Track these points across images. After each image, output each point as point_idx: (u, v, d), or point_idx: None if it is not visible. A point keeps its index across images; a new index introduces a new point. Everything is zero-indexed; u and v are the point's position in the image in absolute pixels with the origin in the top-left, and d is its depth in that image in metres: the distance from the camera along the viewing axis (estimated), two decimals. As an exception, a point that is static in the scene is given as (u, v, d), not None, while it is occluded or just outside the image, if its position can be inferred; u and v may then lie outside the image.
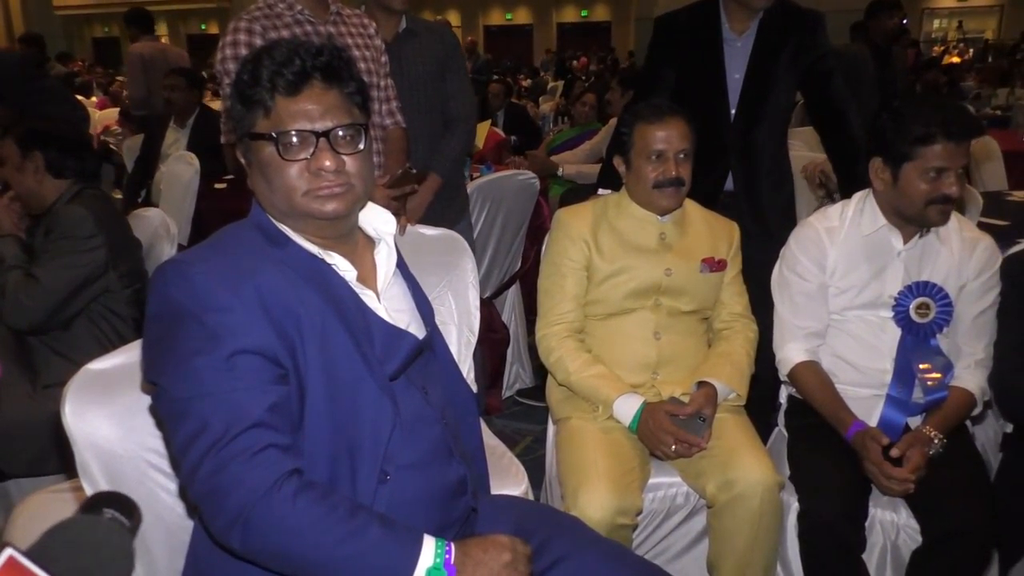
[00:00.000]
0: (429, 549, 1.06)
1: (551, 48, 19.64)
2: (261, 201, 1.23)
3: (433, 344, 1.38)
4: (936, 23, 19.11)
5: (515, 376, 3.44)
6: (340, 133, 1.18)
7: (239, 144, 1.22)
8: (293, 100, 1.16)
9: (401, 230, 2.18)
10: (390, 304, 1.28)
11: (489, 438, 2.03)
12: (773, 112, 2.48)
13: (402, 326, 1.26)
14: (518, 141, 5.61)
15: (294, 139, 1.16)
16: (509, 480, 1.84)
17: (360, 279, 1.25)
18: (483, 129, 4.72)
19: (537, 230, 3.52)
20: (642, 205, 2.01)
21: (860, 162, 2.35)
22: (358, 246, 1.30)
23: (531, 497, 1.89)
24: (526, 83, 11.12)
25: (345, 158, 1.19)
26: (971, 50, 14.75)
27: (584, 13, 21.51)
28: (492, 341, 3.24)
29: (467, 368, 2.19)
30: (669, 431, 1.81)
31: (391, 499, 1.16)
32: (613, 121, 4.57)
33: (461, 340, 2.19)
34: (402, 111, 2.46)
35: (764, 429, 2.15)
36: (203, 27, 24.00)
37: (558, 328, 2.00)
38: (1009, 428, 1.95)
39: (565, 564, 1.28)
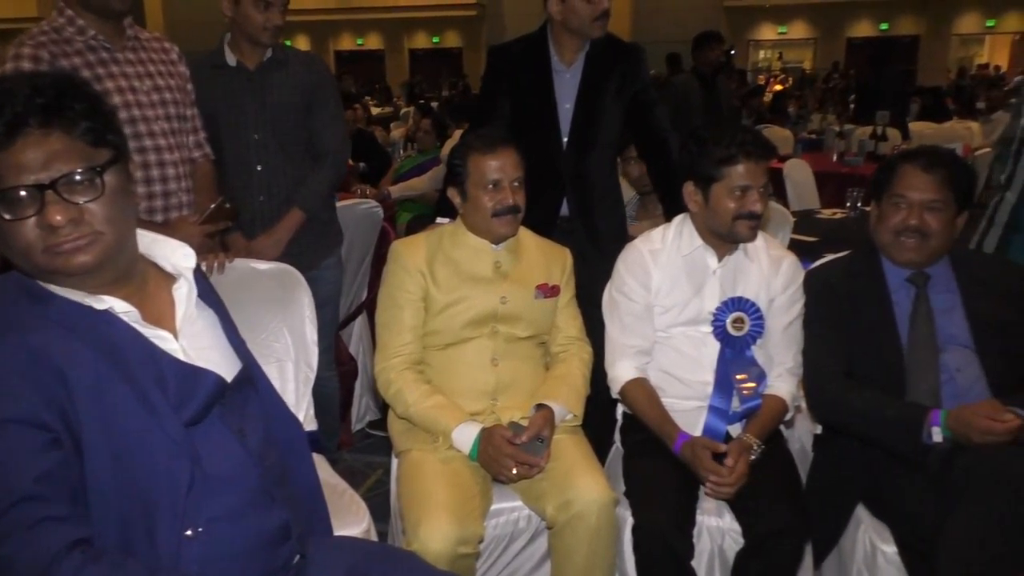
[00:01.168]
0: None
1: (404, 74, 19.68)
2: (10, 262, 1.13)
3: (254, 381, 1.33)
4: (761, 54, 20.68)
5: (365, 408, 3.38)
6: (76, 179, 1.08)
7: None
8: (9, 152, 1.05)
9: (220, 269, 2.10)
10: (192, 343, 1.22)
11: (329, 476, 1.99)
12: (603, 140, 2.58)
13: (210, 365, 1.20)
14: (367, 168, 5.57)
15: (21, 194, 1.05)
16: (350, 519, 1.80)
17: (153, 319, 1.18)
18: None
19: (383, 259, 3.48)
20: (480, 234, 2.03)
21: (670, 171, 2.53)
22: (148, 284, 1.23)
23: (374, 534, 1.86)
24: (376, 110, 11.04)
25: (87, 205, 1.09)
26: (790, 79, 16.04)
27: (436, 39, 21.70)
28: (340, 374, 3.16)
29: (306, 405, 2.14)
30: (509, 454, 1.84)
31: (203, 555, 1.10)
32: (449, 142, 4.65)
33: (299, 377, 2.14)
34: (260, 142, 2.39)
35: (606, 447, 2.24)
36: (360, 41, 22.21)
37: (396, 361, 1.99)
38: (819, 430, 2.11)
39: None
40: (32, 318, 1.07)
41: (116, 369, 1.08)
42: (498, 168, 1.96)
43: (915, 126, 7.31)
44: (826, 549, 1.88)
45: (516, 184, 1.99)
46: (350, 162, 5.27)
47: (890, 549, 1.74)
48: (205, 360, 1.21)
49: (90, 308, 1.12)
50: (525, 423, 1.92)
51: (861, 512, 1.85)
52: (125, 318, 1.15)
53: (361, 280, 3.33)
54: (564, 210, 2.60)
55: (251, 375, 1.32)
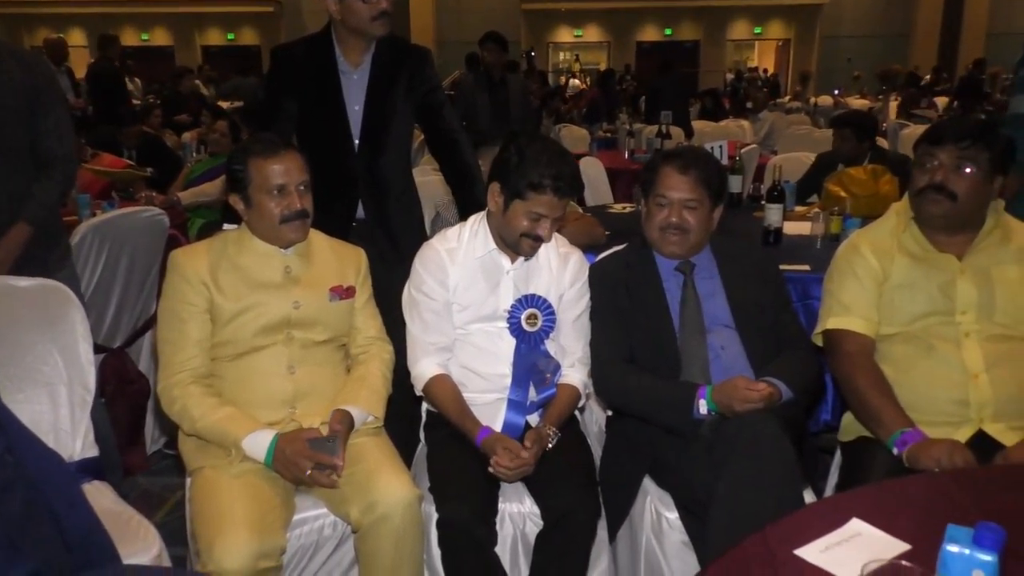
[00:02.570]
0: None
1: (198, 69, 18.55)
2: None
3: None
4: (561, 55, 21.56)
5: (155, 429, 3.16)
6: None
7: None
8: None
9: None
10: None
11: (113, 503, 1.86)
12: (395, 141, 2.59)
13: None
14: (155, 173, 5.20)
15: None
16: (138, 546, 1.69)
17: None
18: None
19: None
20: (268, 241, 1.97)
21: (476, 184, 2.58)
22: None
23: (167, 559, 1.76)
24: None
25: None
26: (588, 79, 16.86)
27: (231, 36, 20.69)
28: (129, 393, 2.96)
29: (83, 430, 1.98)
30: (306, 455, 1.80)
31: None
32: None
33: (74, 400, 1.98)
34: None
35: (413, 446, 2.25)
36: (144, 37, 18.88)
37: (181, 376, 1.89)
38: (610, 412, 2.25)
39: None
40: None
41: None
42: (282, 172, 1.92)
43: (696, 124, 7.96)
44: (619, 521, 2.01)
45: (302, 188, 1.95)
46: (133, 165, 4.92)
47: (673, 515, 1.89)
48: None
49: None
50: (325, 429, 1.89)
51: (648, 484, 1.99)
52: None
53: (148, 292, 3.12)
54: (360, 213, 2.58)
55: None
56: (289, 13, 18.72)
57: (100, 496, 1.85)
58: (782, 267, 2.38)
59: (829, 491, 2.09)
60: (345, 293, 2.05)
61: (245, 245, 1.98)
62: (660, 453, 1.99)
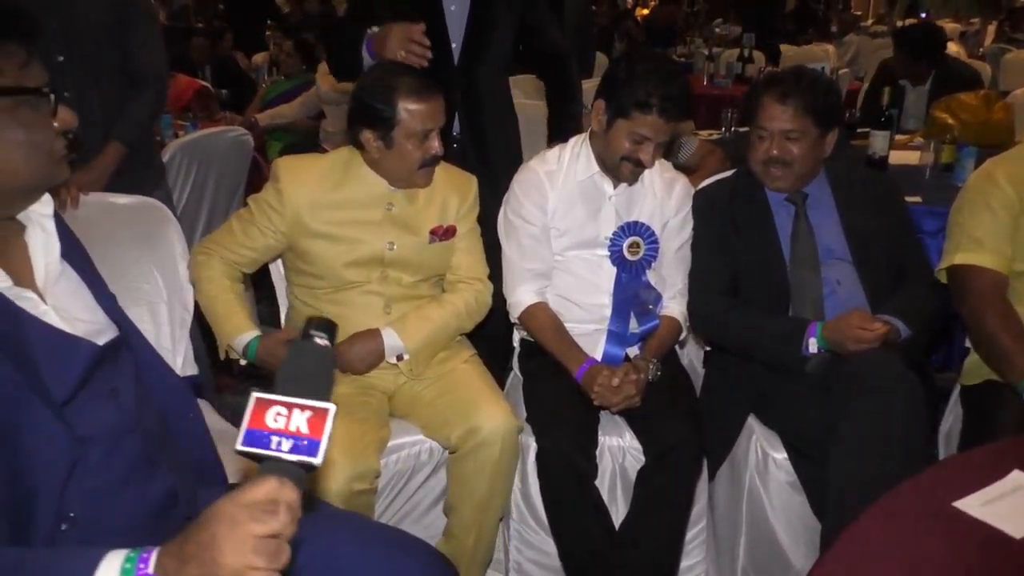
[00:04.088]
0: (111, 564, 0.79)
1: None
2: None
3: (127, 341, 1.19)
4: (628, -24, 20.70)
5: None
6: None
7: None
8: None
9: (74, 203, 1.90)
10: (60, 303, 1.07)
11: (218, 422, 1.88)
12: (496, 51, 2.42)
13: (79, 329, 1.07)
14: (228, 96, 5.19)
15: None
16: (240, 464, 1.71)
17: (11, 276, 1.03)
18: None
19: (256, 190, 3.28)
20: (387, 178, 1.88)
21: (574, 102, 2.44)
22: (5, 235, 1.07)
23: (270, 478, 1.77)
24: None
25: None
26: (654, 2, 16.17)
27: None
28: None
29: (184, 348, 2.00)
30: (281, 355, 1.76)
31: (81, 539, 0.99)
32: (324, 65, 4.38)
33: (174, 319, 1.99)
34: (66, 64, 2.12)
35: (501, 376, 2.21)
36: None
37: (216, 251, 1.89)
38: (708, 347, 2.17)
39: (304, 549, 1.19)
40: None
41: None
42: (433, 117, 1.81)
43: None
44: (720, 458, 1.95)
45: (437, 130, 1.85)
46: (212, 87, 4.90)
47: (780, 455, 1.82)
48: (75, 322, 1.07)
49: None
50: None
51: (752, 422, 1.92)
52: None
53: (233, 212, 3.11)
54: (455, 129, 2.43)
55: (125, 336, 1.18)
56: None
57: (205, 415, 1.87)
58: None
59: (942, 437, 1.98)
60: (445, 234, 1.96)
61: (353, 171, 1.88)
62: (765, 390, 1.91)
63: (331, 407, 0.78)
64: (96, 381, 1.07)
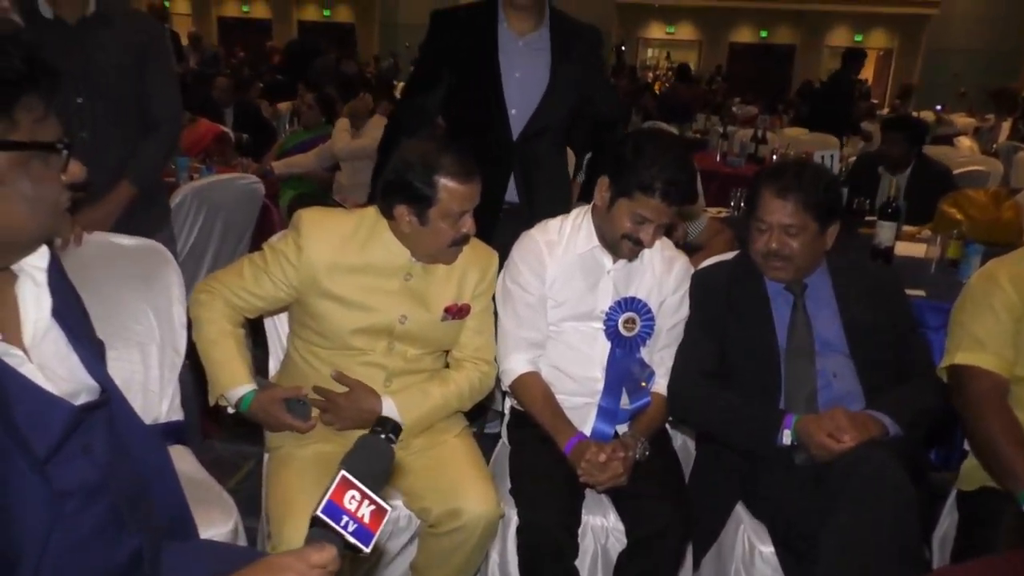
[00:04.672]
0: None
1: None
2: None
3: (108, 400, 1.15)
4: (650, 52, 21.19)
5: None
6: None
7: None
8: None
9: (77, 241, 1.91)
10: (44, 360, 1.05)
11: (196, 471, 1.85)
12: (556, 117, 2.46)
13: (60, 388, 1.04)
14: (249, 140, 5.28)
15: None
16: (216, 517, 1.67)
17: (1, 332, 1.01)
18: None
19: (264, 237, 3.30)
20: (420, 256, 1.83)
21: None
22: None
23: (242, 532, 1.74)
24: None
25: None
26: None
27: (327, 13, 21.00)
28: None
29: (171, 392, 1.98)
30: (275, 414, 1.78)
31: None
32: (343, 120, 4.46)
33: (164, 362, 1.98)
34: (84, 106, 2.15)
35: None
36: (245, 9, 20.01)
37: (221, 293, 1.81)
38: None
39: None
40: None
41: None
42: (471, 198, 1.77)
43: (791, 132, 7.67)
44: (705, 547, 1.90)
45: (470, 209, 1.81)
46: (232, 131, 4.99)
47: (768, 549, 1.77)
48: (58, 381, 1.05)
49: None
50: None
51: (741, 511, 1.87)
52: None
53: (238, 259, 3.13)
54: (511, 195, 2.45)
55: (106, 398, 1.15)
56: (385, -7, 18.90)
57: (181, 461, 1.82)
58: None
59: (937, 542, 1.92)
60: (458, 313, 1.91)
61: (376, 237, 1.82)
62: (756, 479, 1.87)
63: (389, 509, 0.95)
64: (70, 438, 1.05)
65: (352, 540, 0.90)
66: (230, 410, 1.84)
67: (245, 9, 21.14)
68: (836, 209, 1.95)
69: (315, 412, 1.83)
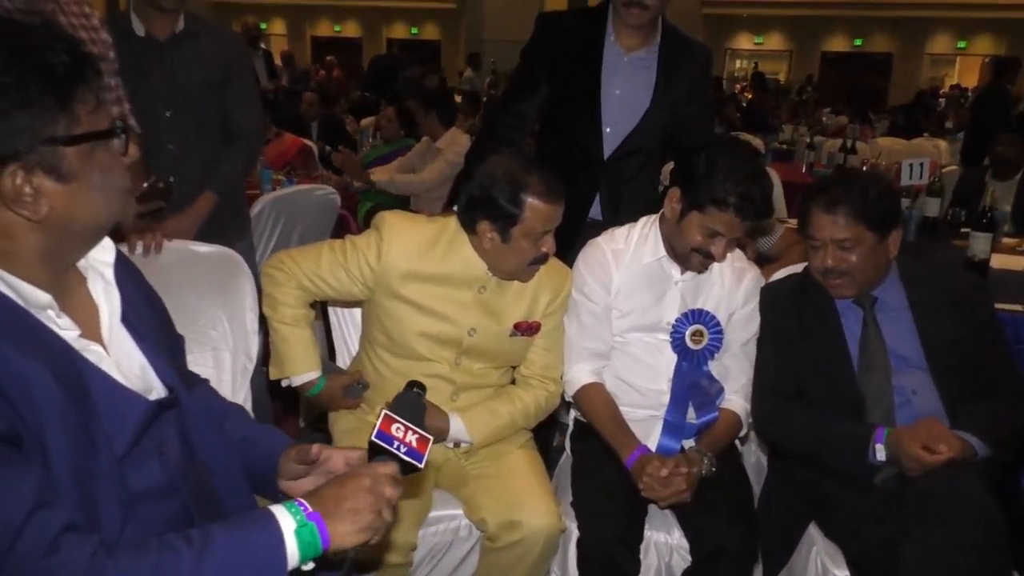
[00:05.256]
0: (283, 515, 0.99)
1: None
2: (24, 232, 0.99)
3: (177, 398, 1.19)
4: (738, 63, 20.78)
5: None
6: None
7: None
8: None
9: (157, 249, 1.98)
10: (118, 356, 1.09)
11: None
12: (650, 137, 2.36)
13: (133, 384, 1.08)
14: (331, 152, 5.43)
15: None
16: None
17: (79, 325, 1.05)
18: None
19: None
20: (497, 272, 1.82)
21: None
22: (70, 283, 1.09)
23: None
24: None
25: None
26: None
27: (414, 30, 21.49)
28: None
29: (243, 398, 2.03)
30: (336, 398, 1.88)
31: None
32: (426, 139, 4.52)
33: (237, 367, 2.03)
34: (172, 119, 2.25)
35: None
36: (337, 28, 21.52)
37: (296, 277, 1.83)
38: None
39: None
40: None
41: (65, 390, 0.96)
42: (554, 218, 1.75)
43: (885, 141, 7.36)
44: (776, 568, 1.82)
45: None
46: (313, 145, 5.14)
47: (842, 573, 1.68)
48: (131, 377, 1.09)
49: (24, 311, 0.99)
50: None
51: (814, 532, 1.78)
52: (61, 332, 1.02)
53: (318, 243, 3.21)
54: (595, 212, 2.37)
55: (175, 396, 1.19)
56: (470, 10, 19.18)
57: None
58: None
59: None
60: (528, 330, 1.89)
61: (456, 248, 1.81)
62: (830, 499, 1.78)
63: (431, 438, 1.13)
64: (145, 437, 1.09)
65: (406, 459, 1.07)
66: (284, 383, 1.90)
67: (337, 28, 21.84)
68: (892, 216, 1.83)
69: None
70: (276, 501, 1.24)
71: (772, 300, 1.96)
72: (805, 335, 1.89)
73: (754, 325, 1.96)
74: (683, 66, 2.35)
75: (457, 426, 1.82)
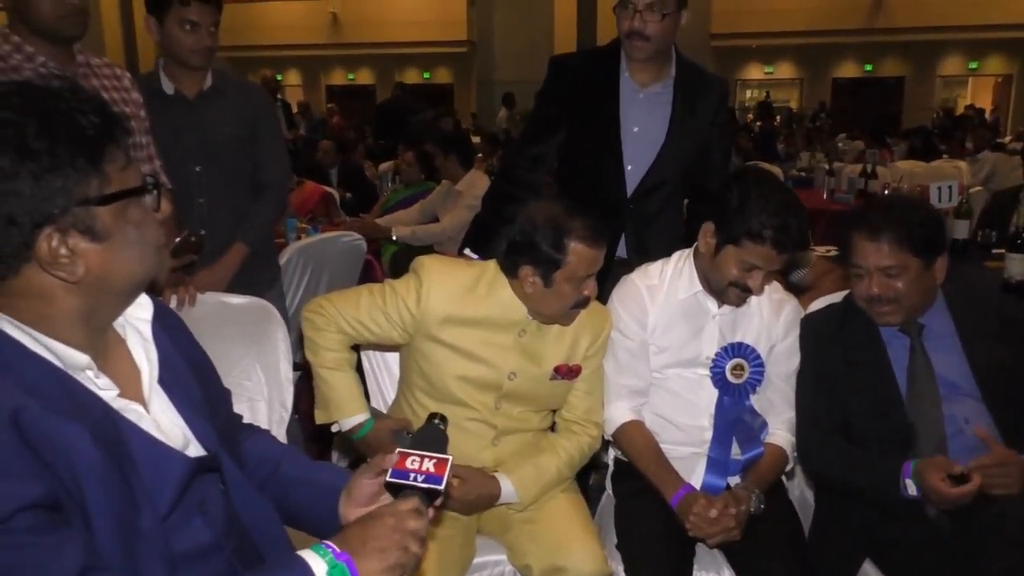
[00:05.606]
0: (312, 558, 0.99)
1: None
2: (56, 302, 0.98)
3: (217, 455, 1.17)
4: (749, 93, 20.88)
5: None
6: None
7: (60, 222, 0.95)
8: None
9: (191, 302, 1.99)
10: (160, 413, 1.09)
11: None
12: (672, 173, 2.34)
13: (177, 441, 1.08)
14: (352, 199, 5.48)
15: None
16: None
17: (118, 385, 1.04)
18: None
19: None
20: (537, 315, 1.80)
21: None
22: (108, 343, 1.09)
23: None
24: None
25: None
26: (778, 117, 16.17)
27: (426, 75, 21.82)
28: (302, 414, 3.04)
29: (279, 447, 2.02)
30: (383, 442, 1.80)
31: None
32: (446, 182, 4.55)
33: (273, 416, 2.03)
34: (202, 174, 2.28)
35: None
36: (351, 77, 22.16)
37: (336, 322, 1.81)
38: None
39: None
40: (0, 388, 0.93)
41: (105, 452, 0.95)
42: (597, 262, 1.75)
43: (904, 164, 7.33)
44: (829, 608, 1.76)
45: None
46: (334, 191, 5.18)
47: (902, 611, 1.62)
48: (172, 436, 1.08)
49: (63, 373, 0.99)
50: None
51: (869, 570, 1.73)
52: (100, 392, 1.02)
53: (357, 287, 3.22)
54: (620, 251, 2.36)
55: (214, 453, 1.17)
56: (482, 52, 19.48)
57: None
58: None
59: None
60: (568, 373, 1.86)
61: (496, 291, 1.80)
62: (885, 535, 1.73)
63: (449, 458, 1.09)
64: (186, 495, 1.08)
65: (425, 486, 1.06)
66: (334, 429, 1.88)
67: (351, 76, 22.24)
68: (937, 241, 1.80)
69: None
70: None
71: (813, 333, 1.92)
72: (849, 366, 1.85)
73: (796, 357, 1.93)
74: (700, 99, 2.34)
75: (508, 490, 1.79)
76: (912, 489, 1.64)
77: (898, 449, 1.75)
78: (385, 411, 2.09)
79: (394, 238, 4.22)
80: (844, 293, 1.97)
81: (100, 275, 0.99)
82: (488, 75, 16.86)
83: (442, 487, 1.07)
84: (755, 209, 1.73)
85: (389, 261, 4.14)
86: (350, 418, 1.83)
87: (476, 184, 4.37)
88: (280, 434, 2.02)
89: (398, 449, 1.09)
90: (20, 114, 0.92)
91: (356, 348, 2.13)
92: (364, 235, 3.46)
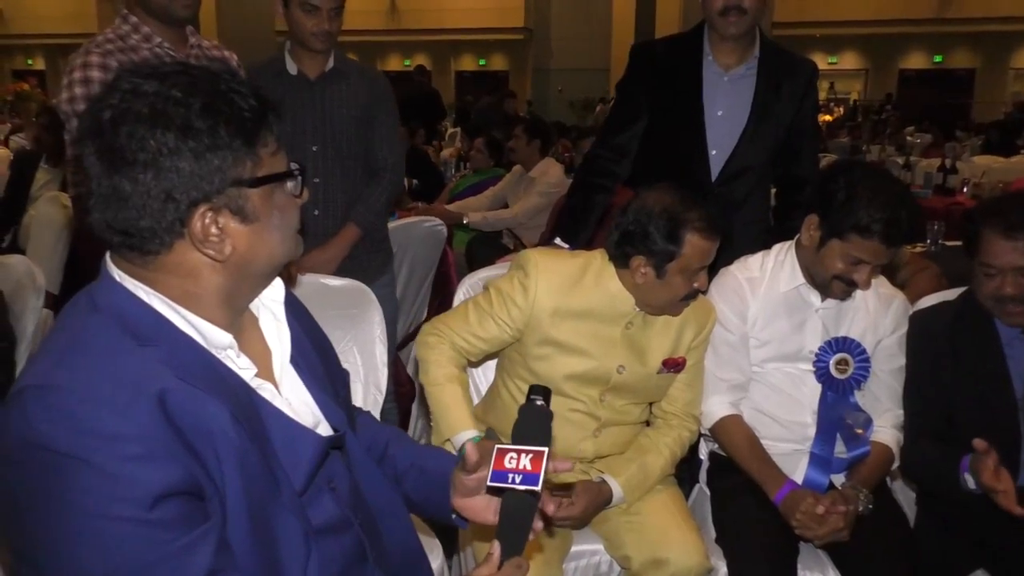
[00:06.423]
0: None
1: (450, 96, 19.74)
2: (203, 275, 0.99)
3: (343, 434, 1.18)
4: (811, 84, 20.44)
5: (421, 431, 3.25)
6: None
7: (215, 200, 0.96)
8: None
9: (292, 283, 2.01)
10: (292, 394, 1.10)
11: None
12: (756, 159, 2.29)
13: (307, 420, 1.09)
14: (419, 185, 5.50)
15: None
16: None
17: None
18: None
19: (442, 278, 3.41)
20: (645, 306, 1.77)
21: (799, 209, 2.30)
22: (244, 324, 1.10)
23: (445, 571, 1.75)
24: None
25: None
26: (842, 108, 15.78)
27: (482, 62, 21.82)
28: (397, 395, 3.06)
29: (373, 429, 2.04)
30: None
31: None
32: (518, 168, 4.54)
33: (367, 399, 2.05)
34: (318, 154, 2.30)
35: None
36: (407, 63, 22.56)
37: (448, 337, 1.79)
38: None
39: None
40: (147, 365, 0.93)
41: (245, 430, 0.97)
42: (712, 254, 1.72)
43: (982, 160, 7.10)
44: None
45: None
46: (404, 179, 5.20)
47: (1020, 621, 1.57)
48: (303, 416, 1.09)
49: (205, 352, 1.00)
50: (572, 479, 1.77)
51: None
52: (242, 374, 1.03)
53: (422, 300, 3.24)
54: None
55: (342, 431, 1.18)
56: (538, 39, 19.39)
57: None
58: None
59: None
60: (675, 366, 1.84)
61: (603, 282, 1.76)
62: (996, 539, 1.67)
63: (545, 449, 1.06)
64: (318, 473, 1.09)
65: (523, 488, 1.04)
66: (448, 448, 1.84)
67: (407, 63, 22.35)
68: None
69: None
70: (450, 523, 1.27)
71: (923, 331, 1.86)
72: (959, 366, 1.79)
73: (904, 354, 1.87)
74: (785, 81, 2.28)
75: (617, 494, 1.78)
76: (971, 483, 1.64)
77: (1008, 453, 1.69)
78: (477, 399, 2.09)
79: (466, 223, 4.23)
80: (960, 290, 1.90)
81: (244, 255, 1.00)
82: (544, 63, 16.80)
83: (538, 488, 1.04)
84: (863, 202, 1.68)
85: (465, 250, 4.15)
86: (459, 435, 1.74)
87: (549, 172, 4.35)
88: (375, 414, 2.04)
89: (496, 445, 1.07)
90: (186, 94, 0.93)
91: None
92: (443, 219, 3.47)
